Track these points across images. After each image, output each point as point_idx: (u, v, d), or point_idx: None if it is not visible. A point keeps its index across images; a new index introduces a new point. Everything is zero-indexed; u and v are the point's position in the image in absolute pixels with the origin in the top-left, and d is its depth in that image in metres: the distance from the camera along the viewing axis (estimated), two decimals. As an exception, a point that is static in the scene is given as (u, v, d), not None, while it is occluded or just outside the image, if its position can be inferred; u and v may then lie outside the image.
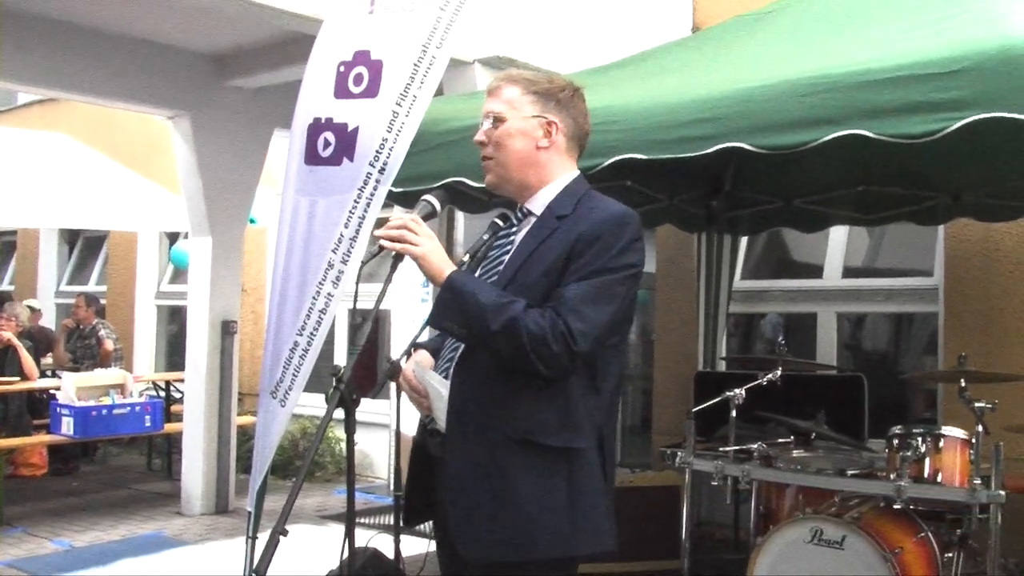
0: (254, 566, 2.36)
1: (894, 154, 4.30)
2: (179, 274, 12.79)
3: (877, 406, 6.52)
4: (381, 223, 3.13)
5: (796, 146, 3.63)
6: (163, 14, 6.97)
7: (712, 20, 7.97)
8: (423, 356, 3.05)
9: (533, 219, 2.98)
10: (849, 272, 8.12)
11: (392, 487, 8.82)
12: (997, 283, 7.07)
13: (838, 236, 8.10)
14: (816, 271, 8.28)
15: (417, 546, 3.18)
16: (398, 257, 2.81)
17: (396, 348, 9.11)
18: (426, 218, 2.94)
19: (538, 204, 2.97)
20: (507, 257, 2.96)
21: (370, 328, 2.77)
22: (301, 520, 8.07)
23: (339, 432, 10.20)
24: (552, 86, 3.00)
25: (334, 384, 2.61)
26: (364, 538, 3.32)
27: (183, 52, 7.97)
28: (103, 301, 12.45)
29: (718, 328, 7.75)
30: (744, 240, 8.27)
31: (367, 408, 10.78)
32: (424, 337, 3.23)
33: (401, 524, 3.12)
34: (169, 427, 9.26)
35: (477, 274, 3.01)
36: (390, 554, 3.46)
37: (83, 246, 14.71)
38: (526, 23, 6.71)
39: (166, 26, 7.38)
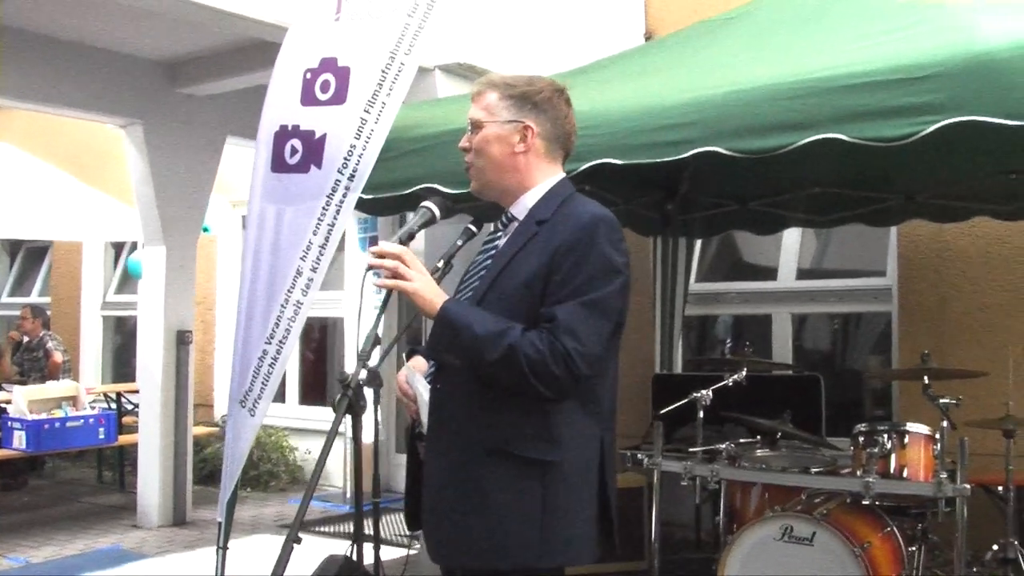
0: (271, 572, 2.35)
1: (852, 156, 4.35)
2: (126, 284, 12.65)
3: (832, 405, 6.63)
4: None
5: (773, 150, 3.69)
6: (116, 21, 6.91)
7: (663, 27, 8.08)
8: (417, 361, 3.06)
9: (516, 224, 2.97)
10: (803, 274, 8.24)
11: (350, 495, 8.87)
12: (949, 282, 7.22)
13: (792, 238, 8.22)
14: (770, 273, 8.39)
15: (393, 552, 3.18)
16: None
17: (350, 357, 9.08)
18: (425, 225, 2.95)
19: (520, 209, 2.96)
20: (489, 263, 2.96)
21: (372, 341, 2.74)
22: (259, 530, 8.03)
23: (293, 441, 10.21)
24: (530, 88, 2.97)
25: (341, 391, 2.57)
26: (328, 547, 3.28)
27: (136, 59, 7.89)
28: (48, 312, 12.27)
29: (674, 331, 7.83)
30: (699, 243, 8.34)
31: (321, 416, 10.76)
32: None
33: (408, 529, 3.11)
34: (123, 439, 9.15)
35: (464, 281, 3.03)
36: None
37: (25, 256, 14.49)
38: (486, 30, 6.74)
39: (119, 33, 7.30)
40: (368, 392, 2.80)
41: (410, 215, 7.66)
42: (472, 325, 2.73)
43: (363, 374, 2.72)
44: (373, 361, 2.73)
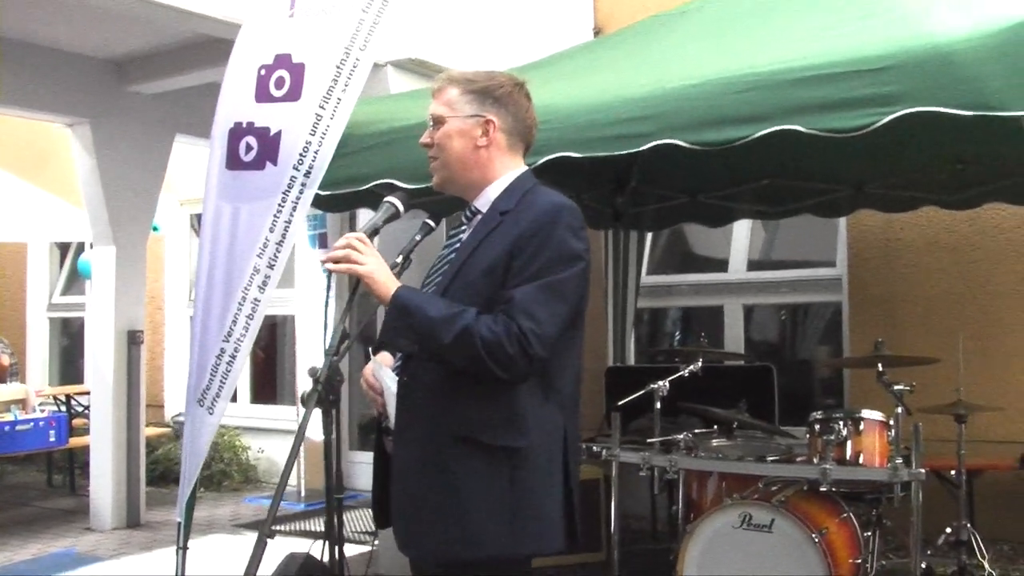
0: (246, 572, 2.34)
1: (803, 148, 4.41)
2: (72, 285, 12.50)
3: (783, 394, 6.71)
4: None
5: (730, 142, 3.72)
6: (63, 18, 6.82)
7: (613, 22, 8.13)
8: (384, 356, 3.06)
9: (480, 216, 2.99)
10: (754, 265, 8.33)
11: (304, 493, 8.85)
12: (898, 272, 7.34)
13: (742, 230, 8.30)
14: (721, 265, 8.47)
15: (355, 550, 3.16)
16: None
17: (301, 355, 9.03)
18: (389, 219, 2.95)
19: (484, 202, 2.98)
20: (453, 256, 2.98)
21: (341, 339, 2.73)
22: (215, 530, 7.98)
23: (245, 440, 10.15)
24: (491, 83, 2.99)
25: (312, 385, 2.57)
26: (284, 545, 3.24)
27: (82, 58, 7.79)
28: (-8, 315, 12.13)
29: (627, 323, 7.88)
30: (649, 236, 8.40)
31: (273, 415, 10.70)
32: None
33: (376, 527, 3.10)
34: (73, 441, 9.04)
35: (429, 276, 3.04)
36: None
37: (-34, 259, 14.27)
38: (437, 26, 6.73)
39: (65, 31, 7.21)
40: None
41: (362, 212, 7.67)
42: (426, 308, 2.75)
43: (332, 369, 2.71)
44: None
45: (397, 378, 2.90)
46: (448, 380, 2.79)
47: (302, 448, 2.83)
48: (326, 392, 2.56)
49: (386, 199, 2.99)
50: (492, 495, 2.76)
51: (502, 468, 2.78)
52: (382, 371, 2.94)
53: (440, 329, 2.69)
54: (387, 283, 2.79)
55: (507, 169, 3.00)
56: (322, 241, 8.94)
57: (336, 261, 2.76)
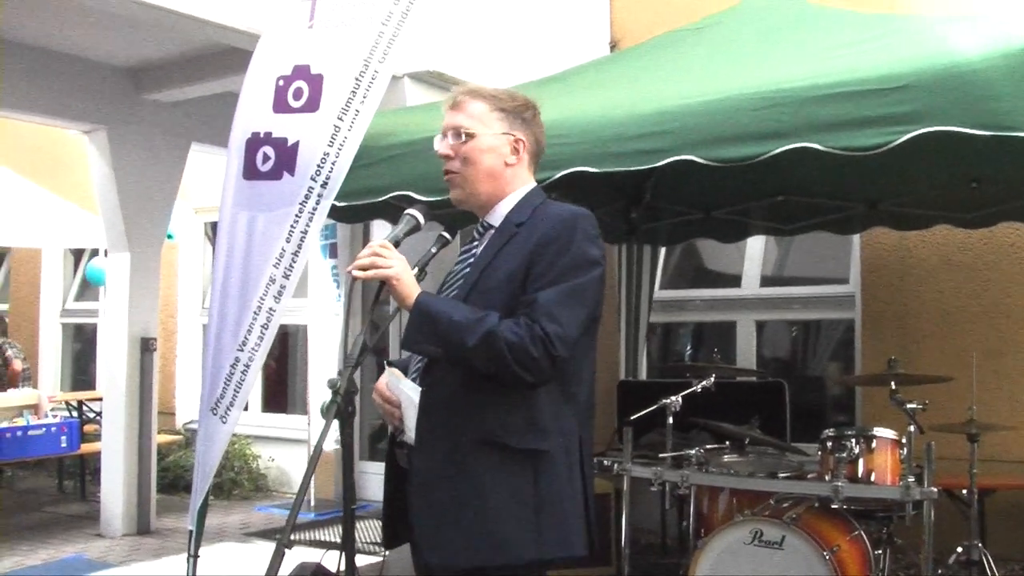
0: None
1: (818, 165, 4.42)
2: (85, 291, 12.54)
3: (795, 411, 6.70)
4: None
5: (747, 159, 3.74)
6: (82, 26, 6.86)
7: (629, 36, 8.15)
8: (396, 370, 3.06)
9: (492, 231, 3.02)
10: (767, 281, 8.32)
11: (315, 503, 8.85)
12: (911, 289, 7.33)
13: (756, 245, 8.30)
14: (734, 280, 8.47)
15: (365, 560, 3.15)
16: (382, 284, 2.82)
17: (313, 364, 9.04)
18: (410, 232, 2.96)
19: (496, 216, 3.02)
20: (468, 270, 3.00)
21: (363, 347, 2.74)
22: (225, 538, 7.99)
23: (256, 448, 10.16)
24: (516, 104, 3.05)
25: (331, 397, 2.57)
26: (295, 554, 3.24)
27: (101, 65, 7.84)
28: (6, 320, 12.15)
29: (639, 338, 7.88)
30: (663, 250, 8.40)
31: (284, 424, 10.70)
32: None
33: (384, 547, 3.11)
34: (85, 447, 9.06)
35: (443, 291, 3.05)
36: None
37: (-18, 263, 14.35)
38: (455, 39, 6.75)
39: (84, 38, 7.25)
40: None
41: (377, 223, 7.69)
42: (449, 312, 2.78)
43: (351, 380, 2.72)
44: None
45: (419, 388, 2.90)
46: (469, 386, 2.82)
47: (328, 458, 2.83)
48: (345, 403, 2.56)
49: (407, 212, 2.99)
50: (517, 498, 2.79)
51: (526, 471, 2.82)
52: (401, 383, 2.92)
53: (464, 333, 2.72)
54: (412, 287, 2.82)
55: (521, 184, 3.06)
56: (332, 251, 8.94)
57: (363, 269, 2.77)
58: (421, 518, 2.86)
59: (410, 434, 2.87)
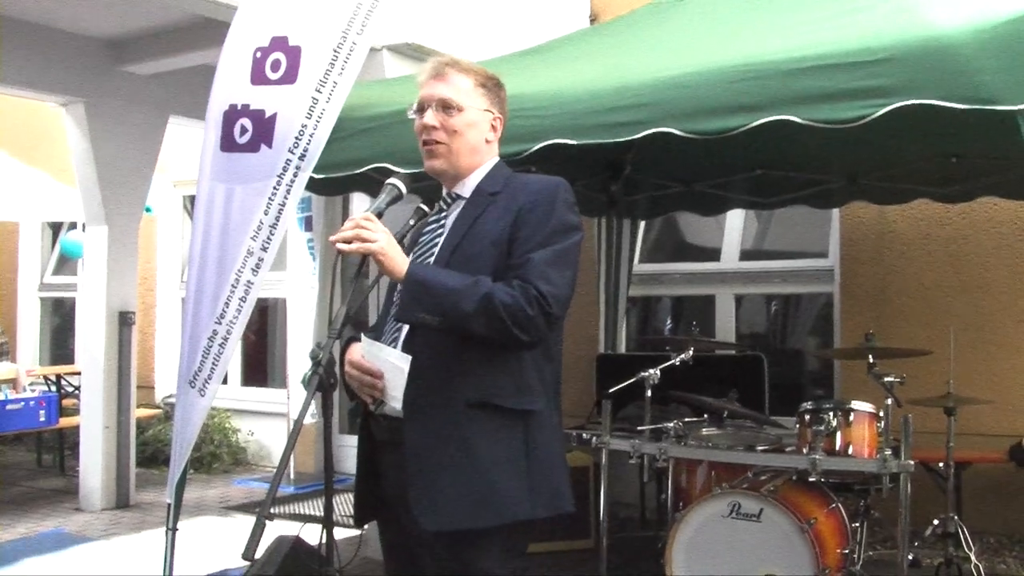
0: (244, 552, 2.34)
1: (798, 138, 4.41)
2: (64, 265, 12.48)
3: (774, 384, 6.73)
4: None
5: (725, 131, 3.73)
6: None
7: (608, 10, 8.11)
8: (376, 342, 3.04)
9: (463, 202, 3.05)
10: (746, 255, 8.34)
11: (294, 476, 8.85)
12: (890, 263, 7.36)
13: (735, 219, 8.31)
14: (714, 254, 8.48)
15: (343, 533, 3.14)
16: (364, 256, 2.78)
17: (292, 338, 9.02)
18: (392, 202, 2.95)
19: (467, 188, 3.06)
20: (441, 239, 3.01)
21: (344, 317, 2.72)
22: (205, 512, 8.00)
23: (235, 422, 10.15)
24: (490, 79, 3.10)
25: (312, 368, 2.56)
26: (275, 528, 3.22)
27: (76, 37, 7.76)
28: (-17, 294, 12.11)
29: (618, 311, 7.89)
30: (642, 224, 8.40)
31: (264, 398, 10.66)
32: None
33: (356, 524, 3.12)
34: (63, 422, 9.04)
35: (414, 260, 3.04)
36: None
37: (-42, 237, 14.24)
38: (433, 11, 6.72)
39: (61, 10, 7.18)
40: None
41: (356, 196, 7.65)
42: (443, 279, 2.80)
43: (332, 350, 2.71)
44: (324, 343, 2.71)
45: (407, 356, 2.83)
46: (456, 352, 2.84)
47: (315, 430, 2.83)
48: (327, 376, 2.55)
49: (388, 181, 2.98)
50: (511, 458, 2.84)
51: (518, 431, 2.87)
52: (383, 351, 2.89)
53: (462, 298, 2.74)
54: (400, 259, 2.80)
55: (490, 158, 3.12)
56: (308, 224, 8.90)
57: (347, 241, 2.74)
58: (416, 485, 2.83)
59: (395, 404, 2.84)
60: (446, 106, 2.99)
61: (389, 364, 2.85)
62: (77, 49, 7.82)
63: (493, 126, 3.08)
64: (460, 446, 2.81)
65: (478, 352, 2.83)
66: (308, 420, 2.80)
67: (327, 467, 2.74)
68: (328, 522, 2.71)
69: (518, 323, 2.75)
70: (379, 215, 2.89)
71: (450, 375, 2.84)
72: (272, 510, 2.44)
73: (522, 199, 2.93)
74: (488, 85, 3.07)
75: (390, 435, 2.93)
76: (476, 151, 3.05)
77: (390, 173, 4.11)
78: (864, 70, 3.47)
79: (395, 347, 2.92)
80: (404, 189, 2.99)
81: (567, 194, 2.98)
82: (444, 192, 3.10)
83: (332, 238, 2.75)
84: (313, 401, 2.62)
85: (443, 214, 3.07)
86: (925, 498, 5.44)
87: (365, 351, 2.92)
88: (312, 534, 3.15)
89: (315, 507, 8.04)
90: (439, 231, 3.04)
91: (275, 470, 9.73)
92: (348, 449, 9.21)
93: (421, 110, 3.03)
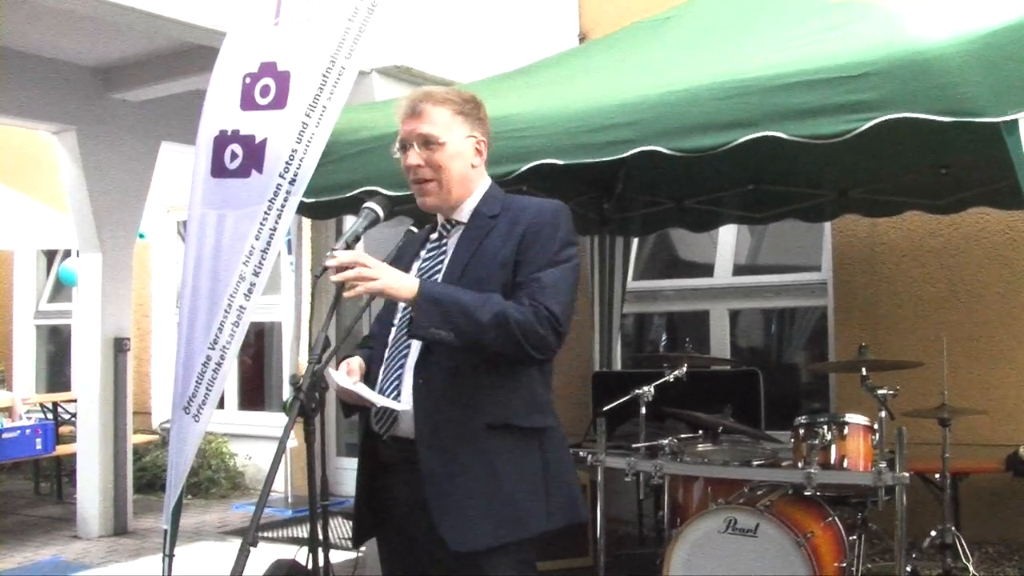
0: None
1: (787, 154, 4.44)
2: (59, 292, 12.47)
3: (769, 398, 6.73)
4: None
5: (713, 148, 3.75)
6: (48, 26, 6.80)
7: (598, 28, 8.15)
8: (356, 363, 3.05)
9: (461, 227, 3.06)
10: (739, 270, 8.35)
11: (291, 499, 8.83)
12: (883, 276, 7.38)
13: (728, 235, 8.33)
14: (707, 270, 8.49)
15: (340, 556, 3.16)
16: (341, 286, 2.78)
17: (288, 360, 9.02)
18: (370, 226, 2.99)
19: (464, 213, 3.07)
20: (444, 264, 3.02)
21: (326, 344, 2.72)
22: (202, 537, 7.97)
23: (233, 447, 10.14)
24: (467, 103, 3.09)
25: (293, 394, 2.57)
26: (271, 552, 3.22)
27: (67, 65, 7.77)
28: (-22, 323, 12.10)
29: (613, 329, 7.90)
30: (635, 241, 8.42)
31: (260, 422, 10.64)
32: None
33: (354, 544, 3.13)
34: (60, 449, 9.02)
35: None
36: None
37: (-48, 266, 14.23)
38: (422, 33, 6.74)
39: (51, 38, 7.18)
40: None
41: (347, 219, 7.66)
42: (456, 296, 2.82)
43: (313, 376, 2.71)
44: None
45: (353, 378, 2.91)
46: (471, 373, 2.88)
47: (289, 454, 2.84)
48: (308, 400, 2.56)
49: (365, 205, 3.02)
50: (529, 475, 2.92)
51: (533, 448, 2.96)
52: (335, 376, 2.87)
53: (476, 313, 2.77)
54: (404, 284, 2.82)
55: (481, 180, 3.13)
56: (288, 247, 8.89)
57: (348, 282, 2.75)
58: (439, 508, 2.86)
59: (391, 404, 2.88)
60: (427, 142, 2.99)
61: (357, 388, 2.86)
62: (68, 77, 7.84)
63: (478, 149, 3.08)
64: (483, 469, 2.87)
65: (492, 374, 2.89)
66: (292, 444, 2.81)
67: (311, 493, 2.76)
68: (314, 544, 2.73)
69: (528, 340, 2.80)
70: (357, 239, 2.95)
71: (467, 399, 2.89)
72: (269, 534, 2.45)
73: (525, 221, 2.97)
74: (466, 111, 3.06)
75: (401, 455, 2.95)
76: (465, 180, 3.06)
77: (380, 196, 4.14)
78: (849, 85, 3.49)
79: (400, 373, 2.95)
80: (382, 213, 3.03)
81: (567, 217, 3.03)
82: (441, 220, 3.12)
83: (333, 278, 2.74)
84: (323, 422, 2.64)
85: (443, 240, 3.10)
86: (922, 509, 5.44)
87: (334, 378, 2.88)
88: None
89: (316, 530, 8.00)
90: (440, 257, 3.06)
91: (268, 495, 9.71)
92: (345, 472, 9.22)
93: (404, 148, 3.03)
